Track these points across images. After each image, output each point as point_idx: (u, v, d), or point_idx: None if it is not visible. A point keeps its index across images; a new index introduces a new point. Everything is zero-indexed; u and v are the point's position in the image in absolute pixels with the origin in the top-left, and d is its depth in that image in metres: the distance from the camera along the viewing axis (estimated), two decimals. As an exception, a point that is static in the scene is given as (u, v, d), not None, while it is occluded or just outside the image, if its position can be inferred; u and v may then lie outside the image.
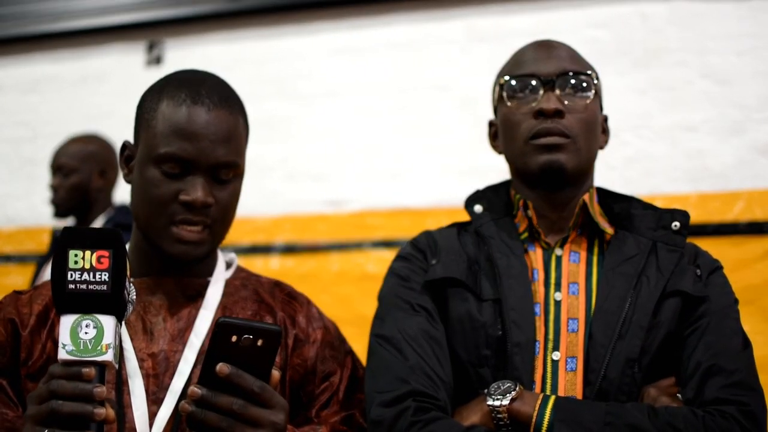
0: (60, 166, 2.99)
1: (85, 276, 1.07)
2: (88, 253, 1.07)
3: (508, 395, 1.30)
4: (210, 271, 1.41)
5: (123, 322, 1.15)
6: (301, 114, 3.47)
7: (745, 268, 2.72)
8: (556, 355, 1.37)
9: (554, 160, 1.42)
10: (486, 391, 1.33)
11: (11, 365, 1.29)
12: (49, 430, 1.04)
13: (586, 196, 1.48)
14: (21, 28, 3.87)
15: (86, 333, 1.06)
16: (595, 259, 1.46)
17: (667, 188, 2.95)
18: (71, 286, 1.06)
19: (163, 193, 1.31)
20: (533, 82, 1.46)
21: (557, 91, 1.44)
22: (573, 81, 1.45)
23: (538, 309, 1.40)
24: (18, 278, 3.44)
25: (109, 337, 1.06)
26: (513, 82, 1.48)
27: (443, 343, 1.39)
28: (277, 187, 3.42)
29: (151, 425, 1.25)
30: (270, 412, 1.12)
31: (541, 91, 1.45)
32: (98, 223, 2.95)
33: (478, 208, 1.52)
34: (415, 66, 3.37)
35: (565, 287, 1.42)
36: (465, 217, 1.55)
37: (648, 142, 3.02)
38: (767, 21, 2.98)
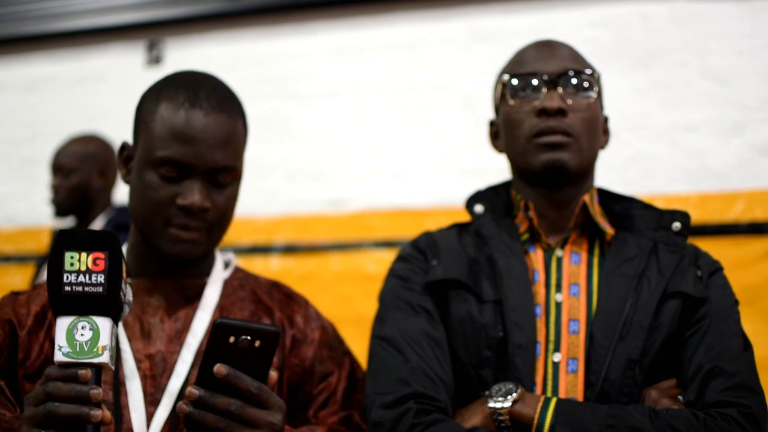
0: (60, 166, 2.99)
1: (81, 278, 1.07)
2: (83, 254, 1.07)
3: (509, 397, 1.30)
4: (208, 272, 1.41)
5: (120, 323, 1.15)
6: (302, 114, 3.47)
7: (746, 269, 2.72)
8: (557, 357, 1.37)
9: (556, 159, 1.42)
10: (487, 393, 1.33)
11: (9, 366, 1.29)
12: None
13: (586, 197, 1.48)
14: (21, 28, 3.87)
15: (82, 335, 1.06)
16: (595, 260, 1.46)
17: (667, 188, 2.95)
18: (67, 288, 1.06)
19: (160, 196, 1.31)
20: (536, 81, 1.45)
21: (560, 90, 1.44)
22: (575, 80, 1.45)
23: (539, 310, 1.40)
24: (18, 278, 3.44)
25: (105, 339, 1.06)
26: (515, 81, 1.47)
27: (444, 344, 1.39)
28: (277, 187, 3.42)
29: (148, 426, 1.26)
30: (267, 412, 1.12)
31: (544, 90, 1.44)
32: (98, 223, 2.95)
33: (478, 208, 1.52)
34: (415, 66, 3.36)
35: (566, 288, 1.42)
36: (465, 217, 1.55)
37: (648, 142, 3.02)
38: (767, 21, 2.98)
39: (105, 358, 1.06)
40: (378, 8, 3.44)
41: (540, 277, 1.43)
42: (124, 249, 1.41)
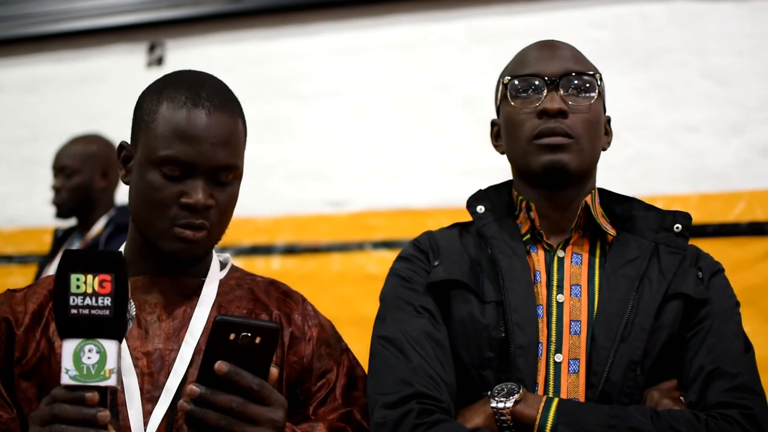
0: (62, 167, 2.99)
1: (88, 300, 1.07)
2: (90, 277, 1.07)
3: (511, 397, 1.30)
4: (205, 272, 1.42)
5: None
6: (302, 114, 3.47)
7: (746, 269, 2.72)
8: (558, 357, 1.37)
9: (557, 160, 1.42)
10: (489, 393, 1.33)
11: (5, 365, 1.29)
12: None
13: (588, 198, 1.48)
14: (22, 29, 3.88)
15: (89, 358, 1.06)
16: (597, 261, 1.46)
17: (667, 189, 2.95)
18: (74, 311, 1.06)
19: (163, 195, 1.31)
20: (537, 82, 1.45)
21: (561, 92, 1.44)
22: (577, 81, 1.45)
23: (541, 311, 1.40)
24: (19, 279, 3.44)
25: (112, 362, 1.07)
26: (516, 82, 1.47)
27: (446, 344, 1.39)
28: (278, 188, 3.42)
29: (145, 424, 1.25)
30: (269, 409, 1.12)
31: (545, 91, 1.44)
32: (100, 223, 2.95)
33: (480, 208, 1.51)
34: (416, 66, 3.37)
35: (567, 289, 1.42)
36: (466, 217, 1.55)
37: (648, 142, 3.02)
38: (767, 21, 2.98)
39: (112, 381, 1.06)
40: (378, 9, 3.44)
41: (541, 277, 1.43)
42: (123, 248, 1.41)
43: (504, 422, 1.29)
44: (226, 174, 1.34)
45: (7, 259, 3.69)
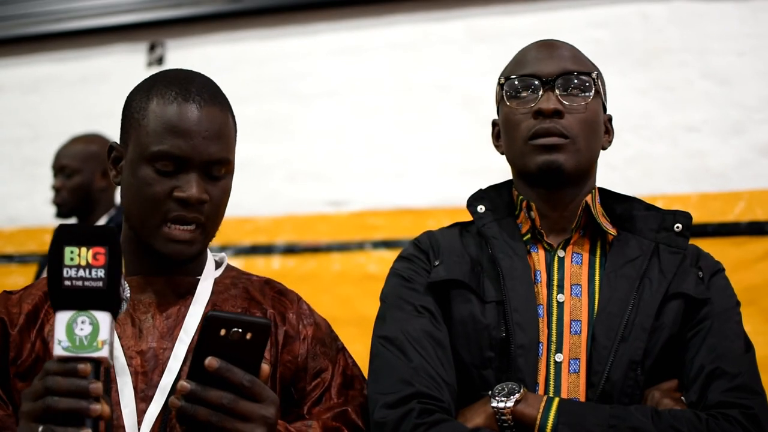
0: (62, 166, 2.99)
1: (81, 272, 1.06)
2: (83, 249, 1.07)
3: (512, 397, 1.30)
4: (200, 271, 1.41)
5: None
6: (302, 114, 3.48)
7: (746, 269, 2.72)
8: (559, 357, 1.37)
9: (552, 161, 1.42)
10: (490, 393, 1.33)
11: (1, 364, 1.29)
12: (45, 427, 1.03)
13: (588, 198, 1.48)
14: (22, 29, 3.88)
15: (82, 329, 1.06)
16: (597, 260, 1.46)
17: (667, 188, 2.95)
18: (67, 282, 1.06)
19: (157, 191, 1.31)
20: (533, 82, 1.46)
21: (557, 92, 1.44)
22: (573, 81, 1.45)
23: (541, 311, 1.40)
24: (19, 278, 3.44)
25: (104, 334, 1.06)
26: (513, 83, 1.48)
27: (446, 344, 1.39)
28: (278, 188, 3.42)
29: (139, 423, 1.25)
30: (260, 406, 1.12)
31: (541, 91, 1.45)
32: (100, 223, 2.94)
33: (480, 208, 1.52)
34: (416, 66, 3.37)
35: (568, 289, 1.42)
36: (466, 216, 1.55)
37: (649, 142, 3.03)
38: (767, 21, 2.98)
39: (104, 352, 1.06)
40: (378, 8, 3.44)
41: (542, 277, 1.44)
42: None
43: (504, 422, 1.30)
44: (218, 168, 1.34)
45: (8, 258, 3.70)
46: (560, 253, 1.46)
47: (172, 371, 1.29)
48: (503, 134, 1.52)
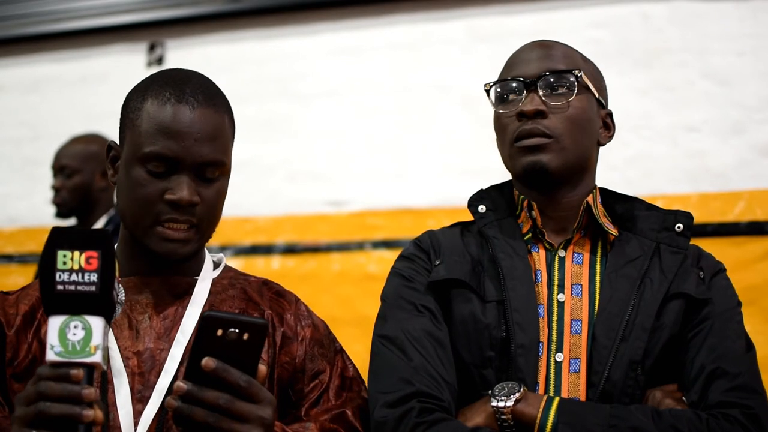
0: (62, 167, 2.99)
1: (74, 277, 1.06)
2: (76, 253, 1.07)
3: (512, 396, 1.30)
4: (197, 271, 1.41)
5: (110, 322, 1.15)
6: (302, 114, 3.47)
7: (746, 269, 2.72)
8: (559, 357, 1.37)
9: (536, 161, 1.43)
10: (490, 392, 1.33)
11: None
12: None
13: (589, 198, 1.48)
14: (22, 29, 3.88)
15: (75, 334, 1.05)
16: (598, 260, 1.46)
17: (667, 188, 2.95)
18: (59, 287, 1.06)
19: (149, 192, 1.31)
20: (515, 85, 1.47)
21: (540, 92, 1.45)
22: (556, 80, 1.45)
23: (542, 310, 1.40)
24: (19, 278, 3.44)
25: (97, 339, 1.06)
26: (499, 86, 1.50)
27: (447, 344, 1.39)
28: (278, 188, 3.42)
29: (136, 424, 1.25)
30: (257, 406, 1.11)
31: (525, 93, 1.46)
32: (100, 223, 2.95)
33: (481, 207, 1.52)
34: (416, 66, 3.37)
35: (568, 289, 1.42)
36: (466, 216, 1.55)
37: (649, 142, 3.02)
38: (767, 21, 2.98)
39: (97, 357, 1.05)
40: (378, 9, 3.44)
41: (542, 277, 1.44)
42: (115, 249, 1.41)
43: (505, 421, 1.30)
44: (212, 170, 1.34)
45: (8, 258, 3.69)
46: (561, 252, 1.46)
47: (169, 372, 1.29)
48: (496, 138, 1.53)
